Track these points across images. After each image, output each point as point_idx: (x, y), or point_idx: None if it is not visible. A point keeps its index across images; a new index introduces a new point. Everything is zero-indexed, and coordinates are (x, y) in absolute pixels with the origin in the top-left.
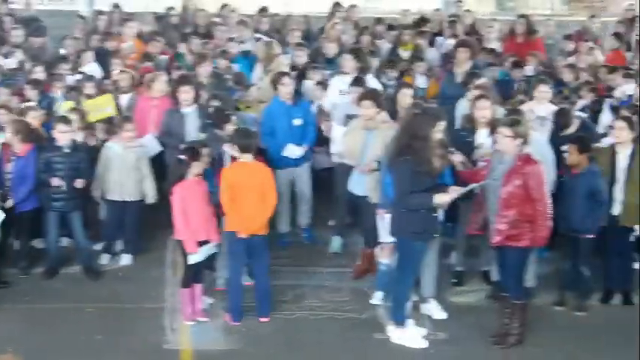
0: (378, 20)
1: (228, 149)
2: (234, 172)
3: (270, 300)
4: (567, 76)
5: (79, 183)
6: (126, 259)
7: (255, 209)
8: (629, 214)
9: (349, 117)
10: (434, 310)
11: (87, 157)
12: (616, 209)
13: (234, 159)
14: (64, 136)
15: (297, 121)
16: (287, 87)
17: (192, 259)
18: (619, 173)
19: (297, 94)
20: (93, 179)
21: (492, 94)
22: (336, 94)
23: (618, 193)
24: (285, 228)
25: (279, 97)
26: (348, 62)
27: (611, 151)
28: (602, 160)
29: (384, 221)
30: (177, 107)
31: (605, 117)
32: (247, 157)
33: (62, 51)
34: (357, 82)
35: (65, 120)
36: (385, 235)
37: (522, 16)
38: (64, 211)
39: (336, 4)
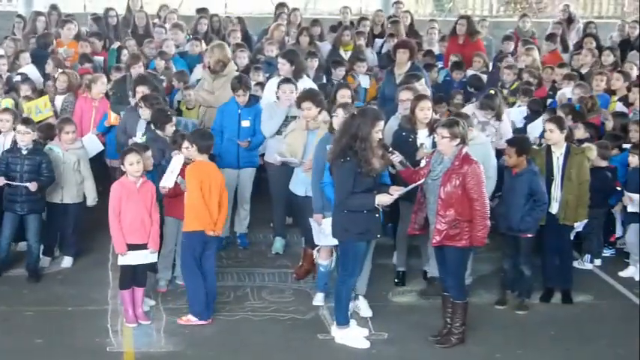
0: (315, 21)
1: (181, 151)
2: (200, 170)
3: (214, 302)
4: (507, 77)
5: (32, 186)
6: (66, 262)
7: (217, 209)
8: (567, 213)
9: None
10: (362, 307)
11: (49, 160)
12: (553, 208)
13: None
14: (23, 137)
15: (246, 123)
16: (241, 97)
17: (122, 261)
18: (555, 173)
19: (252, 97)
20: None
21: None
22: (272, 95)
23: (555, 192)
24: (225, 231)
25: (235, 98)
26: (283, 65)
27: (547, 151)
28: (538, 161)
29: (319, 225)
30: (135, 107)
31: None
32: (204, 158)
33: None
34: (287, 81)
35: (26, 121)
36: (322, 238)
37: (464, 17)
38: (21, 213)
39: (280, 5)
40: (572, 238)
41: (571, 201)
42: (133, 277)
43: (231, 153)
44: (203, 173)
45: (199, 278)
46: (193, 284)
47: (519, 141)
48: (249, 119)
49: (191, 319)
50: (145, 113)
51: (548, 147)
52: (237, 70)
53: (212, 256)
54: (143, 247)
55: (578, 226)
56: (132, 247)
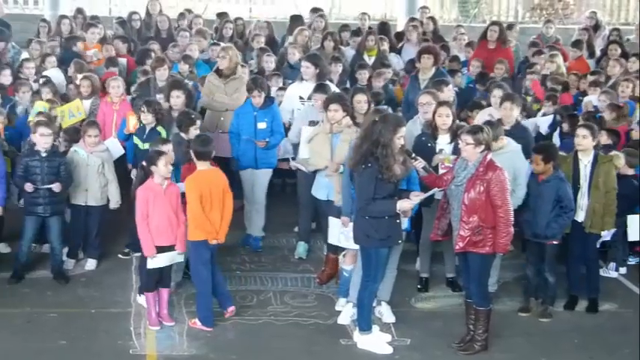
0: (345, 26)
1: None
2: (199, 181)
3: (228, 292)
4: (529, 83)
5: (56, 187)
6: (90, 264)
7: (219, 216)
8: (594, 221)
9: (312, 123)
10: (385, 313)
11: (67, 162)
12: (580, 216)
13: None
14: (43, 139)
15: (262, 125)
16: (256, 99)
17: (150, 264)
18: (582, 180)
19: (268, 98)
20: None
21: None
22: (295, 100)
23: (581, 200)
24: (257, 231)
25: (251, 100)
26: (307, 69)
27: (574, 158)
28: (565, 168)
29: (345, 227)
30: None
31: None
32: (205, 165)
33: (25, 55)
34: (320, 88)
35: (46, 124)
36: (342, 240)
37: (495, 23)
38: (44, 215)
39: (314, 10)
40: (598, 246)
41: (598, 209)
42: (159, 279)
43: (248, 154)
44: (202, 184)
45: (208, 285)
46: (201, 289)
47: (546, 148)
48: (265, 121)
49: (197, 323)
50: (148, 118)
51: (575, 154)
52: (260, 74)
53: (214, 261)
54: (170, 248)
55: (606, 235)
56: (160, 250)
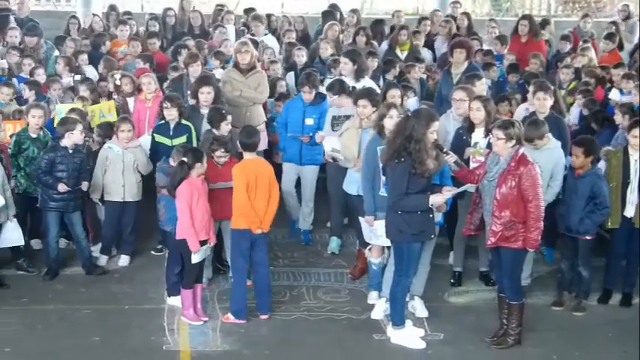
0: (380, 21)
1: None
2: (247, 169)
3: (270, 296)
4: (564, 77)
5: (85, 186)
6: (123, 260)
7: (265, 205)
8: None
9: (334, 119)
10: (418, 307)
11: (87, 159)
12: (629, 211)
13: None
14: (74, 137)
15: (309, 121)
16: (306, 94)
17: (195, 259)
18: (632, 175)
19: (319, 95)
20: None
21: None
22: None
23: (631, 195)
24: (304, 224)
25: (301, 95)
26: (345, 65)
27: (624, 153)
28: (615, 163)
29: (371, 226)
30: (197, 106)
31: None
32: (252, 155)
33: (56, 52)
34: (331, 87)
35: (73, 121)
36: (373, 238)
37: (525, 16)
38: (65, 211)
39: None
40: None
41: None
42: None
43: (293, 149)
44: (250, 172)
45: (243, 276)
46: (236, 281)
47: (587, 142)
48: (313, 117)
49: (230, 317)
50: (172, 114)
51: (625, 149)
52: (291, 69)
53: (263, 250)
54: (205, 243)
55: None
56: (201, 244)
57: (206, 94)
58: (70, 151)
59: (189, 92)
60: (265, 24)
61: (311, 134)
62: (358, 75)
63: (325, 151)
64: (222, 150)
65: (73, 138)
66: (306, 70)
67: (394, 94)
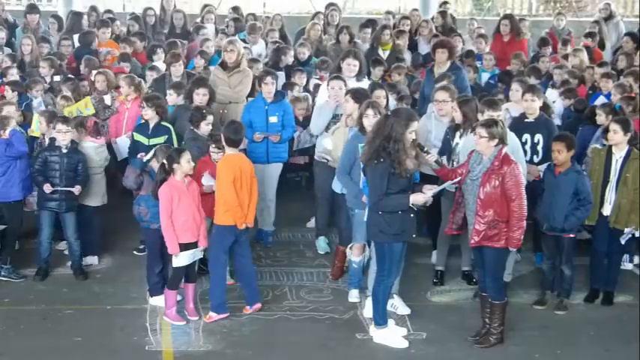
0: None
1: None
2: (233, 164)
3: (257, 288)
4: (557, 77)
5: (77, 190)
6: (91, 260)
7: (248, 200)
8: (619, 216)
9: (333, 117)
10: (399, 305)
11: (85, 160)
12: (606, 210)
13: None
14: (63, 135)
15: (273, 119)
16: (269, 86)
17: (175, 262)
18: (612, 175)
19: (279, 93)
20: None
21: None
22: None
23: (609, 194)
24: (268, 225)
25: (262, 94)
26: (355, 67)
27: (607, 152)
28: (598, 161)
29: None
30: (190, 106)
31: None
32: (234, 150)
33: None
34: (337, 78)
35: (65, 120)
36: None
37: (507, 16)
38: (58, 211)
39: (328, 5)
40: (623, 243)
41: (624, 205)
42: (185, 275)
43: (260, 148)
44: (235, 167)
45: (224, 271)
46: (216, 276)
47: (567, 137)
48: (276, 115)
49: (212, 316)
50: (148, 114)
51: (609, 148)
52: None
53: (246, 242)
54: (194, 245)
55: (628, 232)
56: (185, 247)
57: (201, 96)
58: (65, 151)
59: (169, 92)
60: (259, 33)
61: (280, 133)
62: (360, 75)
63: (316, 151)
64: (214, 146)
65: (57, 136)
66: (264, 69)
67: (379, 95)
